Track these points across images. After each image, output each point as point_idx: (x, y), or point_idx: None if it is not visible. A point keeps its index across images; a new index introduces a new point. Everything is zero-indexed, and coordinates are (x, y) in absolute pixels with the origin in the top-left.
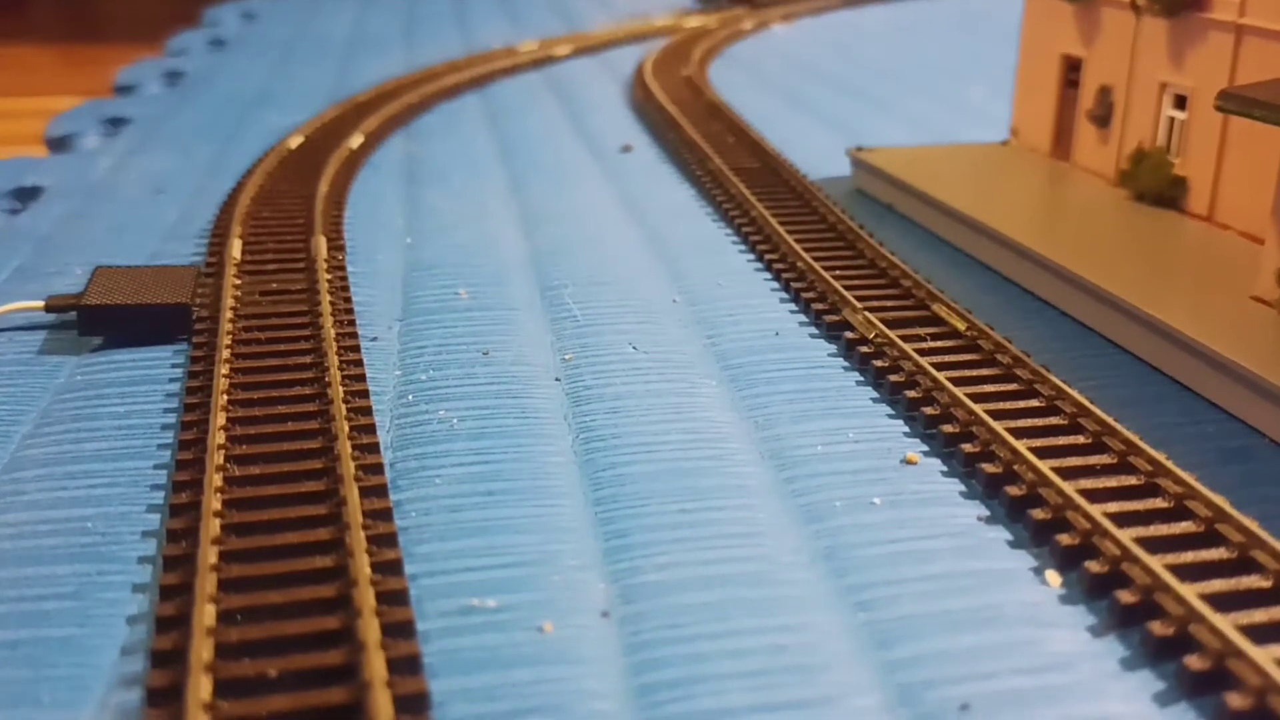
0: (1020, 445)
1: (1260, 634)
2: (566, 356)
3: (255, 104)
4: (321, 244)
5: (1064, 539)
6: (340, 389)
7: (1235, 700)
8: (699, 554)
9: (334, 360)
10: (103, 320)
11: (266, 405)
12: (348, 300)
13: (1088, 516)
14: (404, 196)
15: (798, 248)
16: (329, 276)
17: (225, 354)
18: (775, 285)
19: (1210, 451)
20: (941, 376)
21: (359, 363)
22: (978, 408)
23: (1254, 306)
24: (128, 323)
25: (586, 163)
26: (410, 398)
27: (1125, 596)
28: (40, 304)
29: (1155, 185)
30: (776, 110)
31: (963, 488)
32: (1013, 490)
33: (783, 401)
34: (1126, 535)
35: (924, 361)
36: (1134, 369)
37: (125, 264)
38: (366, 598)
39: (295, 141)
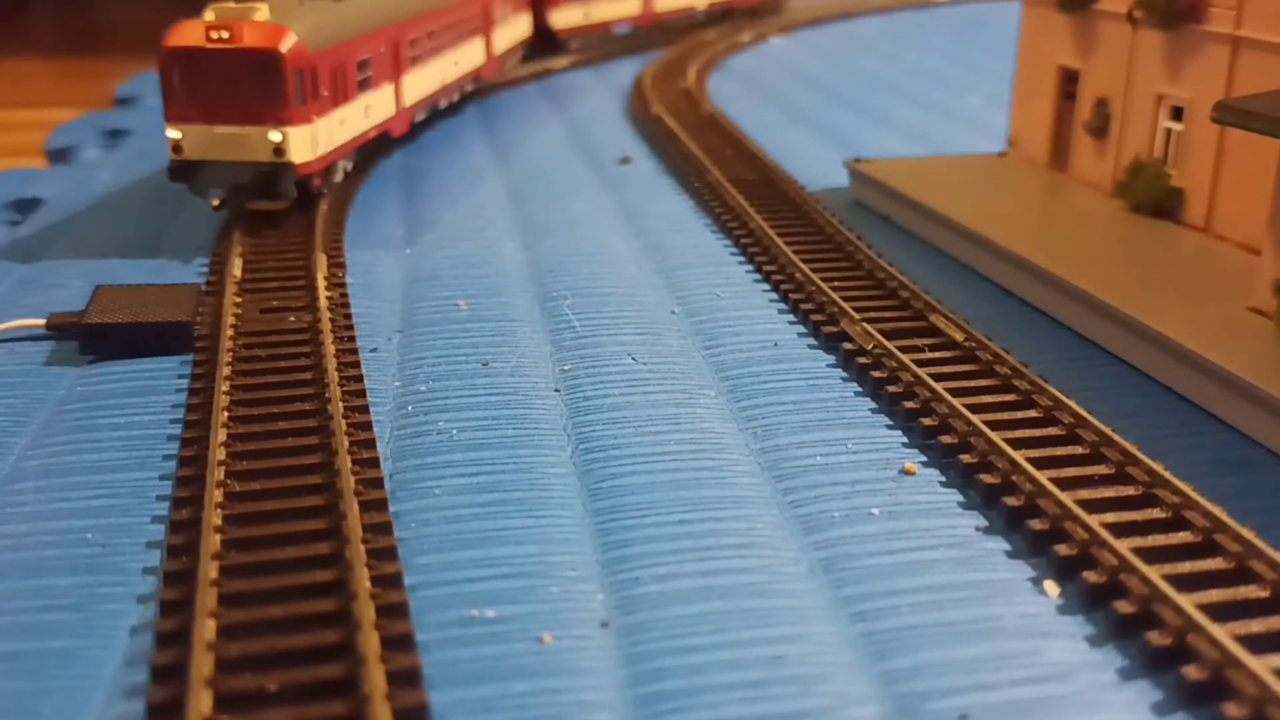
0: (1018, 456)
1: (1258, 644)
2: (566, 367)
3: None
4: (321, 261)
5: (1062, 549)
6: (340, 404)
7: (1233, 710)
8: (698, 565)
9: (334, 377)
10: (104, 339)
11: (267, 421)
12: (348, 316)
13: (1086, 527)
14: (404, 209)
15: (796, 259)
16: (329, 293)
17: (226, 371)
18: (774, 296)
19: (1208, 462)
20: (940, 387)
21: (359, 378)
22: (976, 418)
23: (1251, 317)
24: (129, 341)
25: (585, 174)
26: (410, 409)
27: (1123, 607)
28: (41, 322)
29: (1152, 196)
30: (774, 122)
31: (961, 498)
32: (1011, 501)
33: (781, 412)
34: (1124, 545)
35: (922, 372)
36: (1132, 379)
37: (125, 277)
38: (366, 611)
39: None
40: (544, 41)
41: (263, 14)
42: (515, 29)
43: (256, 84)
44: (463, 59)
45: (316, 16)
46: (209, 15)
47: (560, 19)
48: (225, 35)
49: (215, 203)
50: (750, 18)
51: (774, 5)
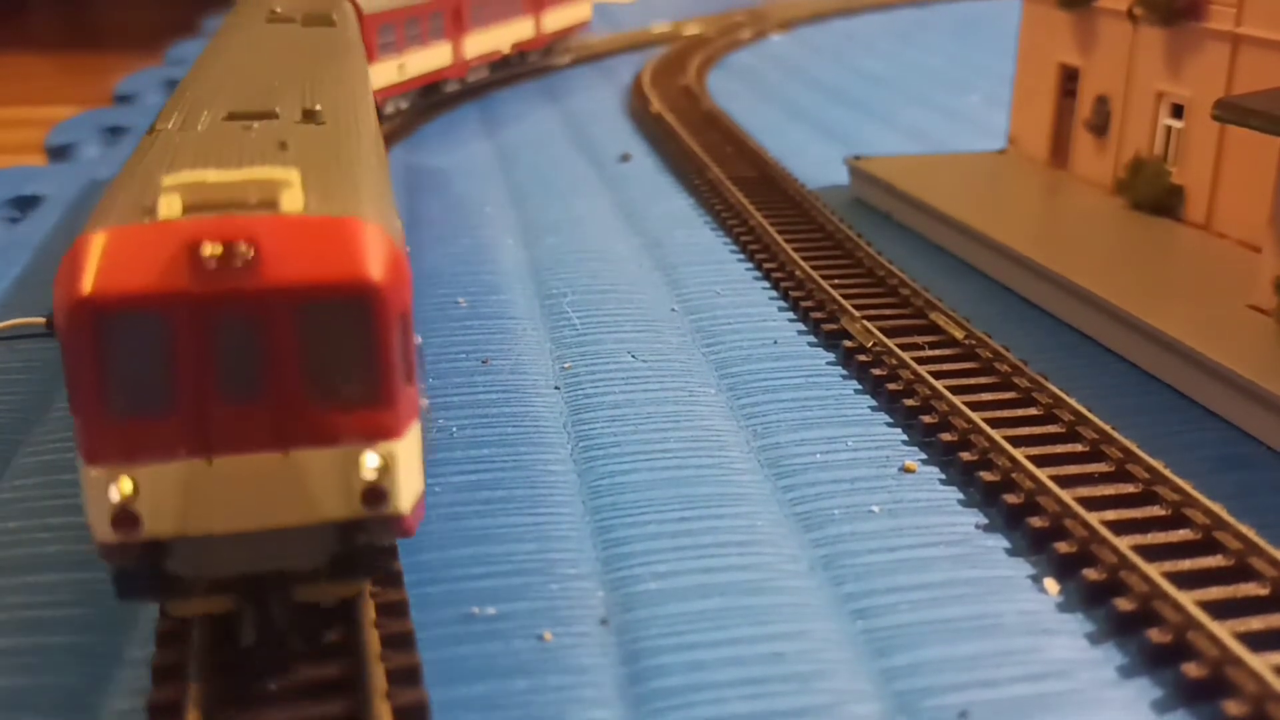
0: (1018, 453)
1: (1258, 641)
2: (565, 365)
3: None
4: None
5: (1062, 547)
6: None
7: (1233, 708)
8: (698, 562)
9: None
10: None
11: None
12: None
13: (1085, 524)
14: (403, 206)
15: (796, 256)
16: None
17: None
18: (774, 294)
19: (1208, 459)
20: (939, 385)
21: None
22: (976, 416)
23: (1251, 315)
24: None
25: (585, 172)
26: None
27: (1123, 604)
28: (41, 320)
29: (1152, 194)
30: (774, 119)
31: (961, 496)
32: (1011, 498)
33: (781, 410)
34: (1124, 543)
35: (922, 370)
36: (1131, 377)
37: None
38: (366, 610)
39: None
40: None
41: (295, 194)
42: None
43: (319, 354)
44: None
45: (353, 173)
46: (174, 205)
47: (375, 77)
48: (244, 256)
49: (204, 608)
50: (543, 55)
51: (563, 44)
